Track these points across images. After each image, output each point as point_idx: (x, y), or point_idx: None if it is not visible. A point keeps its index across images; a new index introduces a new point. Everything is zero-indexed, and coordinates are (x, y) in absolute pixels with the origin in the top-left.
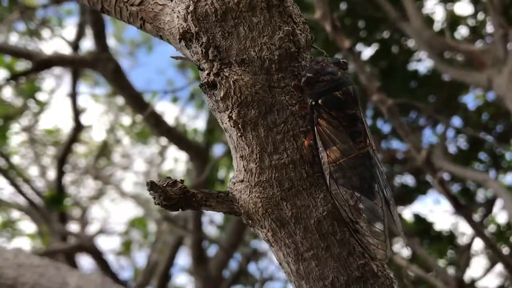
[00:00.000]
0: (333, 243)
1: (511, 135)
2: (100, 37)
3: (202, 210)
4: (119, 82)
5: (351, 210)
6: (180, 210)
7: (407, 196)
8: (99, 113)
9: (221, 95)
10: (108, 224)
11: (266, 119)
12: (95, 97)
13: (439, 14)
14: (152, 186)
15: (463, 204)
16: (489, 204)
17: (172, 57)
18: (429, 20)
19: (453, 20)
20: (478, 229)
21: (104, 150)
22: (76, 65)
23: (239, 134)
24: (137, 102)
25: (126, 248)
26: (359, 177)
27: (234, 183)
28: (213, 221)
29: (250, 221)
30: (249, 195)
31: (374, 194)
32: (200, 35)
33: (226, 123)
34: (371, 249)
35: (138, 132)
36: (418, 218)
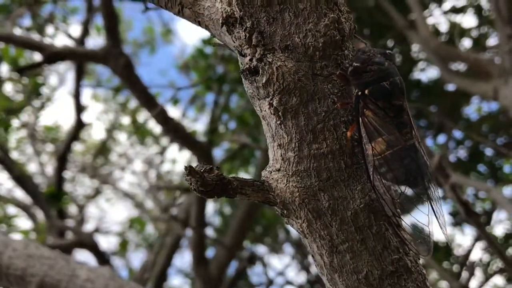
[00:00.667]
0: (368, 236)
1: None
2: (112, 31)
3: (237, 198)
4: (129, 78)
5: (394, 203)
6: (215, 197)
7: None
8: (99, 112)
9: (263, 81)
10: (103, 224)
11: (307, 107)
12: (96, 96)
13: (443, 26)
14: (190, 171)
15: (473, 211)
16: (488, 216)
17: (208, 43)
18: (435, 31)
19: (458, 32)
20: (487, 235)
21: (103, 149)
22: (87, 59)
23: (278, 122)
24: (146, 98)
25: (122, 248)
26: (404, 170)
27: (271, 172)
28: (211, 224)
29: (285, 211)
30: (286, 184)
31: (419, 185)
32: (244, 20)
33: (265, 111)
34: (412, 243)
35: (138, 131)
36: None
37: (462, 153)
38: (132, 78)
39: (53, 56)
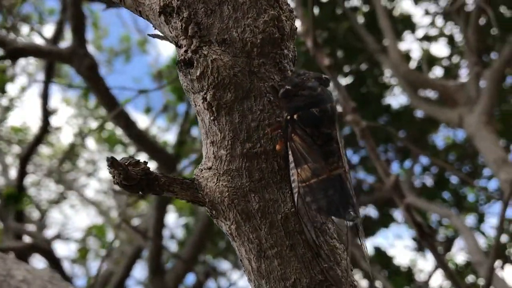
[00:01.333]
0: (298, 242)
1: (476, 176)
2: (79, 31)
3: (164, 195)
4: (93, 80)
5: (316, 232)
6: (140, 192)
7: (369, 228)
8: (69, 116)
9: (197, 74)
10: (66, 230)
11: (242, 105)
12: (67, 100)
13: (416, 52)
14: (112, 162)
15: (427, 232)
16: (449, 243)
17: (149, 35)
18: (406, 57)
19: (429, 60)
20: (440, 259)
21: (70, 154)
22: (52, 57)
23: (212, 118)
24: (109, 101)
25: (82, 256)
26: (328, 200)
27: (201, 170)
28: (174, 236)
29: (214, 212)
30: (216, 184)
31: (341, 217)
32: (182, 10)
33: (199, 105)
34: (331, 274)
35: (106, 137)
36: (379, 251)
37: (428, 179)
38: (96, 80)
39: (16, 51)
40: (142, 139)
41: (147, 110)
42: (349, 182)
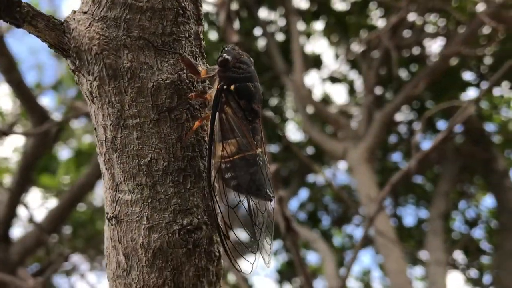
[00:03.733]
0: (165, 119)
1: (346, 221)
2: None
3: (25, 28)
4: None
5: (229, 212)
6: None
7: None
8: None
9: None
10: None
11: None
12: None
13: (318, 89)
14: None
15: (293, 228)
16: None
17: None
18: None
19: (327, 100)
20: (300, 258)
21: None
22: None
23: None
24: None
25: None
26: (249, 177)
27: (75, 12)
28: (32, 219)
29: (77, 62)
30: (87, 28)
31: (261, 196)
32: None
33: None
34: (235, 258)
35: None
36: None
37: (302, 215)
38: None
39: None
40: (21, 89)
41: (37, 86)
42: (267, 162)
